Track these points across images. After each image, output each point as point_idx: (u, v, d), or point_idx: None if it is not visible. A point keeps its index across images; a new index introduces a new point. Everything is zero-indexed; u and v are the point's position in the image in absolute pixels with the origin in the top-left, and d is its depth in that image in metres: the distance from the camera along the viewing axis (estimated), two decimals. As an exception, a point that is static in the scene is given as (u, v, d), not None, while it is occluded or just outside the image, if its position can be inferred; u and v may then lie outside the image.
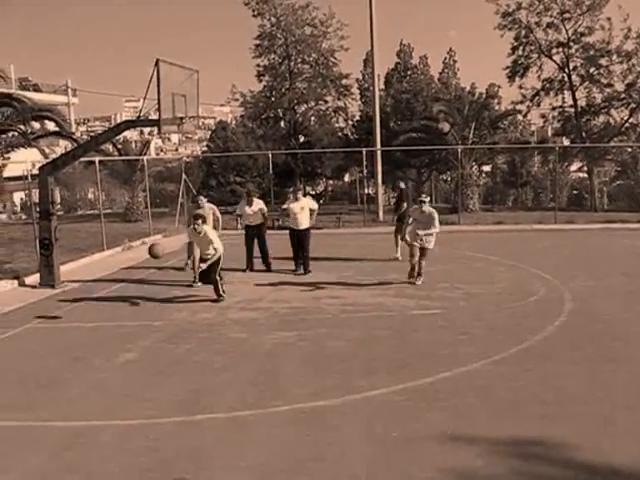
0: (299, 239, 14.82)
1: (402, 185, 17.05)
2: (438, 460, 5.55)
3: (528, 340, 8.95)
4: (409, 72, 43.75)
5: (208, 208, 14.14)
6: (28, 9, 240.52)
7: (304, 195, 15.56)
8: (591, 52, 34.62)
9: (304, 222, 14.77)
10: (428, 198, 13.51)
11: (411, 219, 13.23)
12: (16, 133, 22.72)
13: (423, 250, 12.91)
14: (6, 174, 29.03)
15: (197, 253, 12.49)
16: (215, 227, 13.58)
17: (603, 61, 34.82)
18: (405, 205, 15.96)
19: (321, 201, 31.69)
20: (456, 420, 6.38)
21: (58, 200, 13.75)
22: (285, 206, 15.26)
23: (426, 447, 5.81)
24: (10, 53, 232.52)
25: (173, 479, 5.36)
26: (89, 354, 9.00)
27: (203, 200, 14.42)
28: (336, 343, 9.18)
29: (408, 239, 13.15)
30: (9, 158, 23.86)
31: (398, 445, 5.87)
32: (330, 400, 7.00)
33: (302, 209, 14.73)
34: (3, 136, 22.95)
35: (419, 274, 13.17)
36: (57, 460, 5.78)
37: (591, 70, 35.07)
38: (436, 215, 12.88)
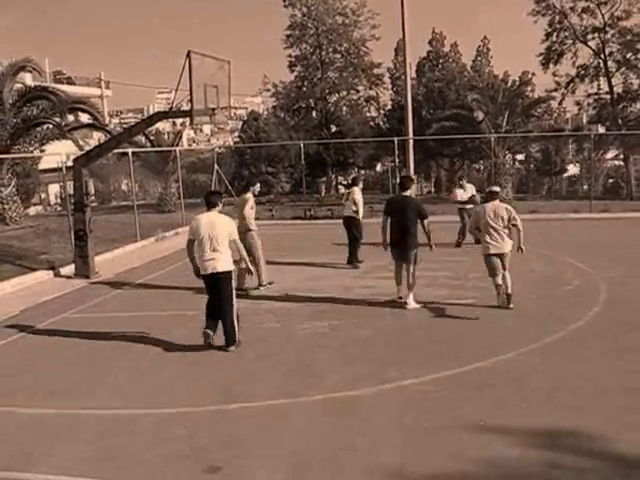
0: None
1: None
2: (470, 450, 5.55)
3: (562, 330, 8.88)
4: (441, 60, 43.45)
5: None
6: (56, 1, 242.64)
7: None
8: (628, 37, 33.93)
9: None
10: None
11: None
12: (51, 125, 23.06)
13: None
14: (41, 166, 29.52)
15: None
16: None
17: (640, 46, 34.16)
18: None
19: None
20: (489, 410, 6.36)
21: (92, 192, 13.85)
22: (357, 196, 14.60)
23: (458, 437, 5.81)
24: (45, 46, 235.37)
25: (208, 467, 5.44)
26: (125, 343, 9.13)
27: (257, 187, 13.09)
28: (369, 333, 9.19)
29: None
30: (44, 150, 24.21)
31: (430, 435, 5.88)
32: (363, 390, 7.03)
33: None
34: (38, 129, 23.31)
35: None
36: (98, 447, 5.90)
37: (628, 55, 34.41)
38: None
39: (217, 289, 8.70)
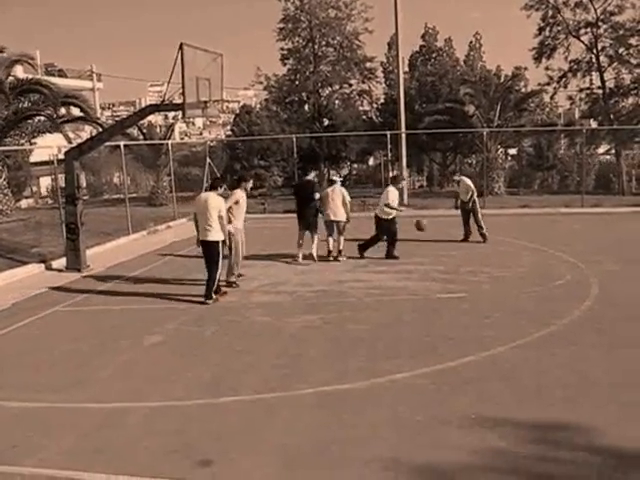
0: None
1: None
2: (462, 444, 5.55)
3: (553, 324, 8.90)
4: (434, 55, 43.39)
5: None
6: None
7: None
8: (621, 32, 33.96)
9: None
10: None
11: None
12: (43, 118, 22.95)
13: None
14: (33, 159, 29.39)
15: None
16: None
17: (633, 41, 34.16)
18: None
19: (346, 184, 31.20)
20: (480, 404, 6.37)
21: (84, 185, 13.82)
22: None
23: (450, 431, 5.81)
24: (36, 38, 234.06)
25: (198, 460, 5.43)
26: (116, 337, 9.11)
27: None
28: (360, 326, 9.19)
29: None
30: (35, 143, 24.11)
31: (422, 428, 5.88)
32: (354, 383, 7.02)
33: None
34: (30, 121, 23.20)
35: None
36: (87, 441, 5.88)
37: (620, 50, 34.44)
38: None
39: (207, 253, 10.80)
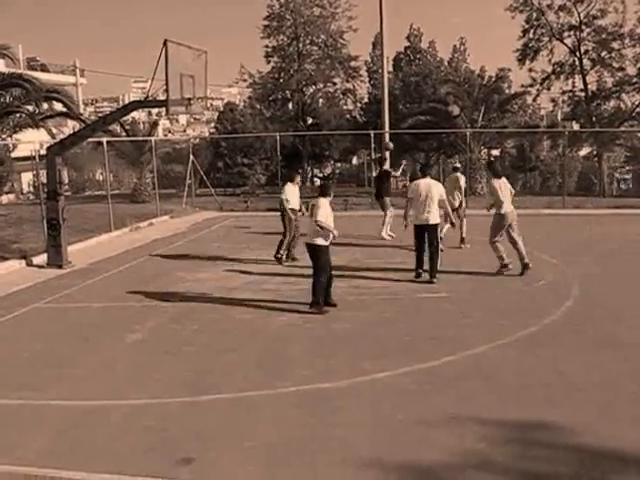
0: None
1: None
2: (442, 443, 5.57)
3: (534, 325, 8.95)
4: (418, 55, 43.52)
5: None
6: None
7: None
8: (603, 35, 34.34)
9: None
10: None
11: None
12: (24, 114, 22.70)
13: None
14: (14, 154, 29.09)
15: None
16: None
17: (615, 44, 34.54)
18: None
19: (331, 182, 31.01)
20: (461, 403, 6.40)
21: (66, 181, 13.66)
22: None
23: (431, 430, 5.83)
24: (18, 32, 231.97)
25: (180, 458, 5.40)
26: (97, 334, 9.05)
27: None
28: (343, 325, 9.20)
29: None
30: (18, 139, 23.87)
31: (403, 427, 5.90)
32: (336, 382, 7.02)
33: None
34: (11, 116, 22.95)
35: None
36: (65, 438, 5.84)
37: (603, 54, 34.80)
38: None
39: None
